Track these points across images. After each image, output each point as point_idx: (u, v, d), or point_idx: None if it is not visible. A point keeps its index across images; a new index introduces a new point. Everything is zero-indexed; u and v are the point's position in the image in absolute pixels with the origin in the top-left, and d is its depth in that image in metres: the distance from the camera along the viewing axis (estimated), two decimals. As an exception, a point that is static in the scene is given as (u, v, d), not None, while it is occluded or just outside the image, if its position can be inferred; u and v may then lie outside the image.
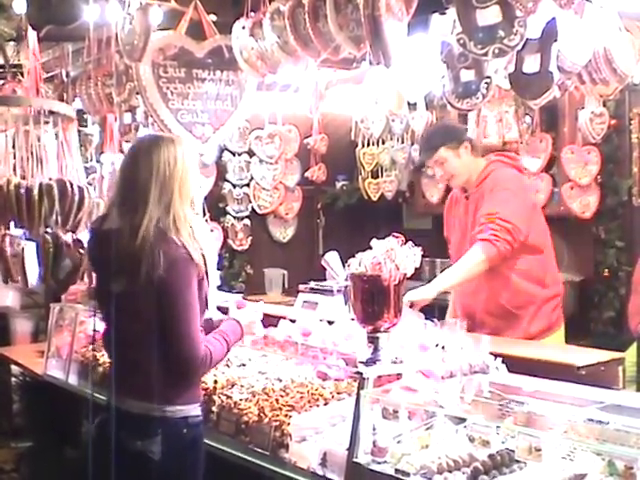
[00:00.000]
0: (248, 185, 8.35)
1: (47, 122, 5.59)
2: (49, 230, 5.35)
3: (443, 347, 3.48)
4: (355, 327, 3.54)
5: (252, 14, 5.19)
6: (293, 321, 4.24)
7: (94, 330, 4.37)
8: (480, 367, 3.45)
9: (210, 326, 3.43)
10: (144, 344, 3.20)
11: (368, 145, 8.14)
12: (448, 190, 5.39)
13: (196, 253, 3.15)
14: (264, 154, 8.28)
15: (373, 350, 3.31)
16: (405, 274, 3.29)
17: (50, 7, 5.88)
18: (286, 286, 8.38)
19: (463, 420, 3.04)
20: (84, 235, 5.42)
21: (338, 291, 4.71)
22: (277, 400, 3.69)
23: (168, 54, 5.82)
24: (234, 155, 8.25)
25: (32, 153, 5.49)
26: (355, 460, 3.07)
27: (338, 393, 3.73)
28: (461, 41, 3.95)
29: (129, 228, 3.16)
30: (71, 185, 5.39)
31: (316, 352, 3.71)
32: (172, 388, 3.21)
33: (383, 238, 3.32)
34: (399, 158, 7.88)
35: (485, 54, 3.91)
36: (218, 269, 5.10)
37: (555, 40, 4.06)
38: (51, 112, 5.60)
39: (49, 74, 6.99)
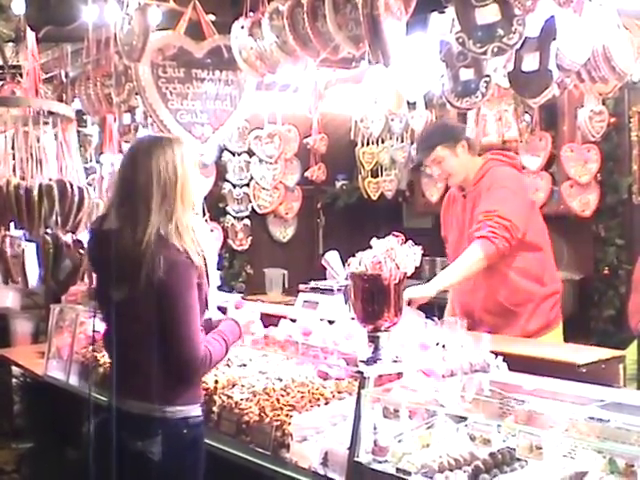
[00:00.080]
0: (248, 185, 8.35)
1: (46, 123, 5.59)
2: (49, 231, 5.35)
3: (444, 346, 3.48)
4: (356, 326, 3.54)
5: (251, 14, 5.19)
6: (294, 321, 4.24)
7: (94, 331, 4.37)
8: (481, 366, 3.45)
9: (210, 326, 3.43)
10: (144, 345, 3.21)
11: (368, 144, 8.14)
12: (448, 189, 5.39)
13: (196, 255, 3.15)
14: (264, 154, 8.28)
15: (374, 349, 3.31)
16: (405, 273, 3.29)
17: (49, 8, 5.87)
18: (286, 286, 8.38)
19: (464, 419, 3.05)
20: (84, 236, 5.42)
21: (338, 290, 4.70)
22: (278, 400, 3.69)
23: (167, 54, 5.82)
24: (234, 155, 8.25)
25: (31, 154, 5.49)
26: (356, 459, 3.08)
27: (339, 392, 3.73)
28: (460, 40, 3.95)
29: (130, 232, 3.16)
30: (71, 186, 5.39)
31: (317, 352, 3.71)
32: (172, 389, 3.21)
33: (383, 237, 3.32)
34: (399, 157, 7.88)
35: (484, 53, 3.91)
36: (218, 269, 5.10)
37: (554, 38, 4.06)
38: (50, 113, 5.60)
39: (48, 75, 6.99)
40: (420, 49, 5.27)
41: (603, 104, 6.30)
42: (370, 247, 3.32)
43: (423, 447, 3.00)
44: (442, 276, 4.67)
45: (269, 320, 4.19)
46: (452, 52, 4.33)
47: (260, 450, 3.51)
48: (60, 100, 6.59)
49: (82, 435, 3.63)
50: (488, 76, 4.28)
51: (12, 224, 5.51)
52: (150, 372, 3.19)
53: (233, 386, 4.00)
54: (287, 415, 3.52)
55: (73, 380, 5.15)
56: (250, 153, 8.29)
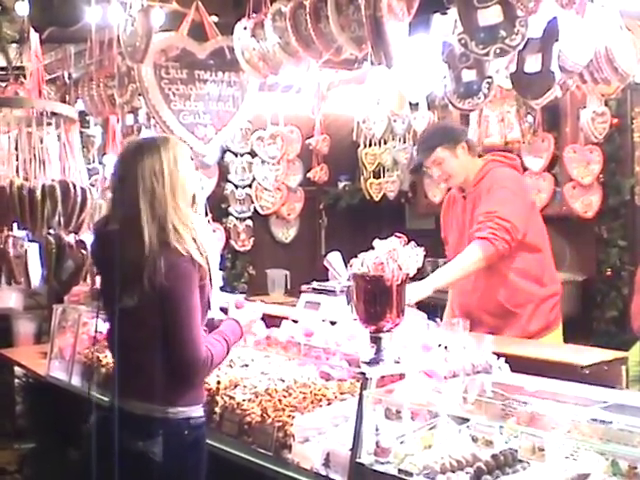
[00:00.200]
0: (250, 186, 8.35)
1: (49, 123, 5.60)
2: (52, 231, 5.36)
3: (446, 347, 3.48)
4: (358, 327, 3.54)
5: (254, 15, 5.20)
6: (296, 321, 4.24)
7: (96, 331, 4.37)
8: (483, 367, 3.45)
9: (212, 326, 3.43)
10: (146, 346, 3.21)
11: (370, 145, 8.13)
12: (450, 190, 5.39)
13: (199, 257, 3.15)
14: (266, 155, 8.28)
15: (376, 350, 3.31)
16: (408, 274, 3.29)
17: (52, 9, 5.89)
18: (288, 286, 8.38)
19: (466, 420, 3.05)
20: (87, 236, 5.42)
21: (341, 291, 4.70)
22: (280, 400, 3.69)
23: (170, 55, 5.84)
24: (236, 156, 8.25)
25: (35, 155, 5.50)
26: (358, 460, 3.07)
27: (341, 393, 3.73)
28: (462, 41, 3.95)
29: (129, 235, 3.16)
30: (74, 186, 5.40)
31: (319, 352, 3.72)
32: (174, 390, 3.21)
33: (385, 238, 3.32)
34: (401, 158, 7.88)
35: (486, 54, 3.92)
36: (220, 270, 5.09)
37: (556, 40, 4.06)
38: (53, 114, 5.61)
39: (51, 76, 7.01)
40: (422, 50, 5.27)
41: (606, 105, 6.30)
42: (372, 248, 3.32)
43: (425, 448, 3.00)
44: (439, 274, 4.66)
45: (271, 321, 4.19)
46: (454, 53, 4.33)
47: (262, 451, 3.50)
48: (63, 101, 6.61)
49: (84, 435, 3.63)
50: (490, 77, 4.29)
51: (15, 224, 5.52)
52: (152, 373, 3.20)
53: (235, 387, 4.00)
54: (289, 416, 3.52)
55: (75, 380, 5.15)
56: (252, 154, 8.29)
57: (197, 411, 3.30)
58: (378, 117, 7.69)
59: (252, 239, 8.40)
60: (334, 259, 4.85)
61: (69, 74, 6.98)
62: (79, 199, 5.41)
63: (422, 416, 3.17)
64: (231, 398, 3.86)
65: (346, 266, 4.04)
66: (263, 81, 5.96)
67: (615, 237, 6.59)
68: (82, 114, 6.79)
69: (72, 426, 5.05)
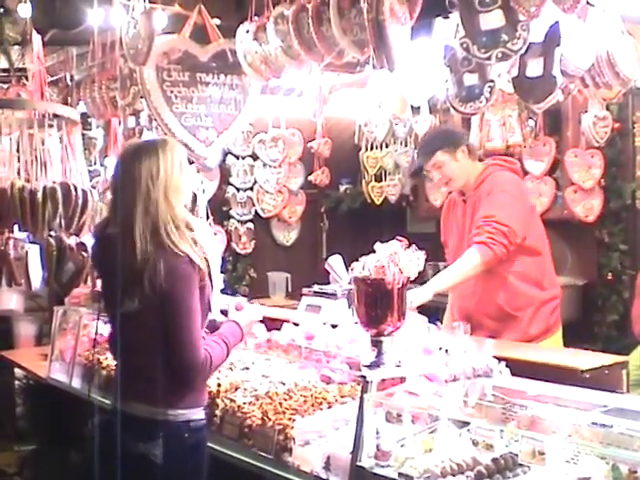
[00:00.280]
0: (252, 189, 8.35)
1: (51, 125, 5.61)
2: (52, 233, 5.36)
3: (446, 351, 3.48)
4: (359, 331, 3.54)
5: (256, 18, 5.20)
6: (297, 324, 4.24)
7: (97, 333, 4.37)
8: (484, 371, 3.45)
9: (214, 327, 3.43)
10: (147, 348, 3.22)
11: (372, 149, 8.13)
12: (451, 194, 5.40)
13: (198, 258, 3.15)
14: (268, 158, 8.28)
15: (377, 354, 3.31)
16: (409, 278, 3.29)
17: (55, 11, 5.90)
18: (289, 290, 8.37)
19: (467, 424, 3.05)
20: (87, 238, 5.43)
21: (342, 295, 4.71)
22: (281, 404, 3.69)
23: (172, 58, 5.84)
24: (238, 159, 8.25)
25: (36, 156, 5.51)
26: (359, 464, 3.07)
27: (342, 397, 3.73)
28: (464, 45, 3.96)
29: (125, 242, 3.16)
30: (75, 188, 5.41)
31: (320, 356, 3.71)
32: (174, 392, 3.21)
33: (387, 242, 3.32)
34: (403, 162, 7.88)
35: (488, 58, 3.92)
36: (221, 272, 5.10)
37: (558, 44, 4.07)
38: (55, 115, 5.61)
39: (53, 78, 7.02)
40: (424, 54, 5.28)
41: (607, 110, 6.30)
42: (374, 251, 3.32)
43: (426, 452, 3.00)
44: (438, 279, 4.66)
45: (272, 324, 4.19)
46: (456, 57, 4.34)
47: (262, 454, 3.50)
48: (65, 103, 6.61)
49: (85, 438, 3.63)
50: (492, 81, 4.29)
51: (16, 226, 5.52)
52: (152, 375, 3.20)
53: (236, 390, 4.00)
54: (290, 419, 3.52)
55: (76, 383, 5.15)
56: (254, 157, 8.30)
57: (198, 414, 3.30)
58: (380, 120, 7.68)
59: (253, 242, 8.40)
60: (335, 262, 4.86)
61: (71, 76, 6.98)
62: (80, 201, 5.41)
63: (423, 419, 3.17)
64: (232, 401, 3.86)
65: (347, 269, 4.03)
66: (265, 84, 5.97)
67: (616, 241, 6.59)
68: (84, 116, 6.80)
69: (72, 428, 5.06)
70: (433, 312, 4.61)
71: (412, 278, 3.32)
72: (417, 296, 4.42)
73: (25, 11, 6.01)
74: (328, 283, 4.94)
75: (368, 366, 3.29)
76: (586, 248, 6.80)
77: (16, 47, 7.01)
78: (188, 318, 3.13)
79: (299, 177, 8.63)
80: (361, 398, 3.16)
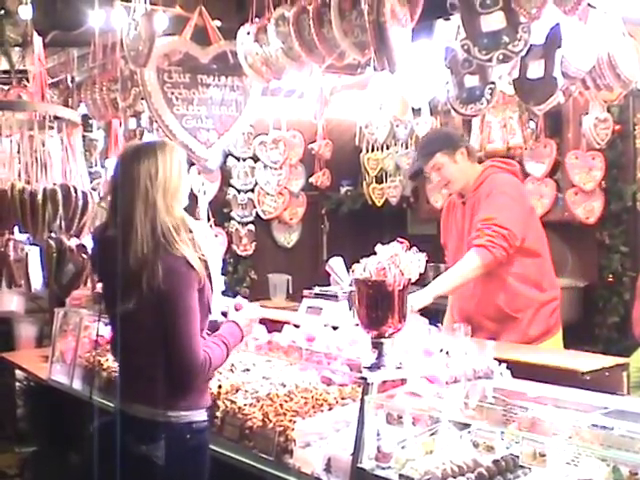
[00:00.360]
0: (252, 190, 8.35)
1: (51, 127, 5.60)
2: (53, 235, 5.36)
3: (447, 352, 3.48)
4: (359, 332, 3.54)
5: (257, 20, 5.20)
6: (297, 326, 4.24)
7: (98, 335, 4.38)
8: (484, 372, 3.45)
9: (215, 328, 3.43)
10: (147, 350, 3.22)
11: (372, 150, 8.14)
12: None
13: (195, 260, 3.14)
14: (268, 159, 8.29)
15: (377, 355, 3.31)
16: (409, 279, 3.29)
17: (56, 13, 5.90)
18: (290, 291, 8.37)
19: (467, 425, 3.05)
20: (88, 240, 5.42)
21: (342, 296, 4.70)
22: (281, 405, 3.69)
23: (173, 60, 5.84)
24: (238, 160, 8.25)
25: (36, 158, 5.50)
26: (359, 466, 3.07)
27: (342, 398, 3.73)
28: (465, 47, 3.96)
29: (124, 243, 3.16)
30: (75, 190, 5.40)
31: (320, 357, 3.71)
32: (175, 393, 3.21)
33: (387, 243, 3.32)
34: (403, 163, 7.88)
35: (489, 60, 3.92)
36: (222, 274, 5.09)
37: (559, 46, 4.07)
38: (56, 117, 5.61)
39: (54, 79, 7.02)
40: (425, 56, 5.29)
41: (608, 111, 6.30)
42: (374, 253, 3.32)
43: (426, 454, 3.00)
44: (438, 282, 4.66)
45: (273, 326, 4.19)
46: (457, 59, 4.34)
47: (263, 455, 3.50)
48: (66, 105, 6.61)
49: (86, 439, 3.63)
50: (493, 83, 4.29)
51: (16, 228, 5.52)
52: (153, 377, 3.20)
53: (237, 391, 4.01)
54: (290, 421, 3.52)
55: (77, 384, 5.15)
56: (255, 159, 8.30)
57: (200, 415, 3.30)
58: (381, 122, 7.68)
59: (254, 244, 8.40)
60: (336, 264, 4.85)
61: (72, 78, 6.98)
62: (80, 203, 5.41)
63: (423, 421, 3.17)
64: (232, 403, 3.87)
65: (348, 271, 4.04)
66: (266, 86, 5.96)
67: (617, 243, 6.59)
68: (85, 118, 6.79)
69: (73, 430, 5.06)
70: (433, 314, 4.62)
71: (413, 280, 3.32)
72: (418, 299, 4.43)
73: (26, 12, 6.00)
74: (329, 285, 4.94)
75: (369, 368, 3.29)
76: (587, 250, 6.80)
77: (17, 49, 7.00)
78: (187, 319, 3.13)
79: (300, 179, 8.63)
80: (362, 400, 3.16)
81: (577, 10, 3.71)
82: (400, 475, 2.93)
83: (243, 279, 8.31)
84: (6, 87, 6.72)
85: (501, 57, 3.88)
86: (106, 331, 4.19)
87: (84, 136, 7.08)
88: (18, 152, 5.62)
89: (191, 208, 3.70)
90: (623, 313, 6.38)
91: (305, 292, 5.04)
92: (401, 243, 3.31)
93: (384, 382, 3.25)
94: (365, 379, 3.21)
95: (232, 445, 3.69)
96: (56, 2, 5.91)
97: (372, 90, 6.93)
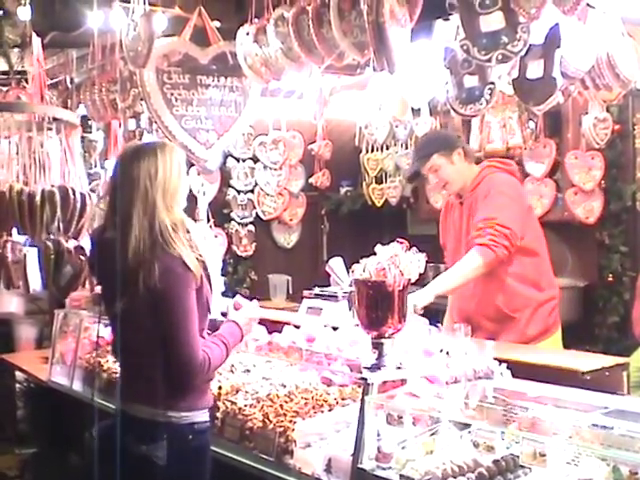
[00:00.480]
0: (252, 191, 8.35)
1: (50, 129, 5.61)
2: (51, 237, 5.36)
3: (447, 353, 3.48)
4: (359, 333, 3.54)
5: (256, 20, 5.20)
6: (297, 327, 4.24)
7: (98, 336, 4.37)
8: (484, 373, 3.45)
9: (215, 327, 3.43)
10: (146, 351, 3.22)
11: (372, 151, 8.14)
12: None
13: (192, 260, 3.13)
14: (268, 160, 8.28)
15: (377, 356, 3.31)
16: (409, 280, 3.29)
17: (54, 14, 5.90)
18: (290, 292, 8.37)
19: (468, 426, 3.05)
20: (86, 242, 5.43)
21: (342, 297, 4.70)
22: (282, 406, 3.69)
23: (172, 60, 5.84)
24: (238, 161, 8.25)
25: (35, 159, 5.50)
26: (360, 466, 3.07)
27: (342, 399, 3.73)
28: (465, 47, 3.96)
29: (122, 243, 3.16)
30: (73, 192, 5.41)
31: (320, 358, 3.71)
32: (175, 394, 3.21)
33: (387, 244, 3.32)
34: (403, 164, 7.87)
35: (488, 60, 3.92)
36: (222, 275, 5.09)
37: (558, 46, 4.07)
38: (54, 119, 5.61)
39: (53, 80, 7.02)
40: (425, 56, 5.28)
41: (607, 111, 6.30)
42: (374, 253, 3.32)
43: (427, 454, 3.00)
44: (440, 281, 4.66)
45: (273, 326, 4.19)
46: (456, 59, 4.34)
47: (264, 456, 3.51)
48: (65, 106, 6.61)
49: (86, 440, 3.63)
50: (492, 83, 4.29)
51: (14, 229, 5.52)
52: (153, 377, 3.20)
53: (237, 392, 4.00)
54: (291, 421, 3.52)
55: (77, 386, 5.15)
56: (255, 159, 8.29)
57: (201, 416, 3.29)
58: (380, 123, 7.68)
59: (254, 244, 8.40)
60: (336, 264, 4.86)
61: (71, 79, 6.98)
62: (78, 205, 5.42)
63: (424, 421, 3.17)
64: (233, 403, 3.87)
65: (348, 271, 4.03)
66: (265, 86, 5.96)
67: (617, 243, 6.59)
68: (84, 119, 6.80)
69: (74, 431, 5.06)
70: (433, 314, 4.62)
71: (413, 280, 3.32)
72: (418, 298, 4.43)
73: (25, 13, 6.01)
74: (329, 285, 4.94)
75: (369, 368, 3.29)
76: (586, 250, 6.80)
77: (16, 50, 7.02)
78: (184, 319, 3.13)
79: (300, 179, 8.63)
80: (362, 400, 3.16)
81: (576, 10, 3.71)
82: (400, 475, 2.93)
83: (243, 280, 8.30)
84: (5, 88, 6.72)
85: (500, 57, 3.88)
86: (106, 332, 4.19)
87: (83, 137, 7.09)
88: (17, 153, 5.62)
89: (191, 209, 3.70)
90: (623, 313, 6.39)
91: (305, 293, 5.04)
92: (401, 243, 3.31)
93: (384, 382, 3.25)
94: (365, 379, 3.21)
95: (232, 446, 3.69)
96: (55, 3, 5.91)
97: (371, 90, 6.92)
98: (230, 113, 6.08)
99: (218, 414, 3.83)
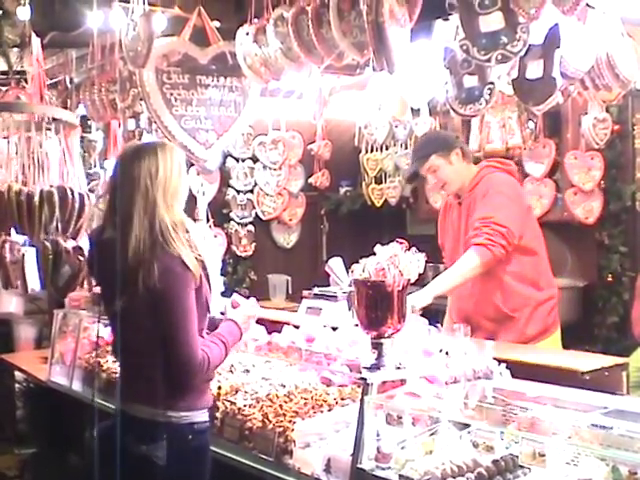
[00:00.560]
0: (252, 191, 8.35)
1: (49, 129, 5.61)
2: (49, 237, 5.36)
3: (447, 353, 3.48)
4: (359, 333, 3.54)
5: (255, 20, 5.20)
6: (297, 327, 4.24)
7: (98, 336, 4.37)
8: (484, 373, 3.45)
9: (214, 325, 3.43)
10: (146, 351, 3.22)
11: (372, 151, 8.14)
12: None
13: (191, 260, 3.13)
14: (268, 160, 8.28)
15: (377, 356, 3.31)
16: (409, 280, 3.29)
17: (54, 14, 5.90)
18: (290, 292, 8.36)
19: (467, 426, 3.05)
20: (84, 242, 5.43)
21: (342, 297, 4.71)
22: (281, 406, 3.69)
23: (172, 60, 5.83)
24: (238, 161, 8.24)
25: (34, 160, 5.51)
26: (359, 466, 3.07)
27: (342, 399, 3.73)
28: (464, 47, 3.96)
29: (121, 242, 3.16)
30: (72, 192, 5.41)
31: (320, 358, 3.71)
32: (175, 394, 3.21)
33: (387, 244, 3.32)
34: (402, 164, 7.87)
35: (488, 60, 3.92)
36: (222, 275, 5.09)
37: (558, 46, 4.07)
38: (53, 119, 5.61)
39: (53, 80, 7.02)
40: (424, 56, 5.28)
41: (607, 112, 6.30)
42: (374, 254, 3.32)
43: (426, 454, 3.00)
44: (438, 282, 4.66)
45: (273, 326, 4.19)
46: (456, 59, 4.34)
47: (263, 456, 3.50)
48: (65, 106, 6.61)
49: (86, 440, 3.63)
50: (492, 83, 4.29)
51: (13, 229, 5.53)
52: (153, 377, 3.20)
53: (236, 392, 4.00)
54: (290, 421, 3.52)
55: (76, 386, 5.15)
56: (254, 159, 8.29)
57: (201, 416, 3.29)
58: (380, 123, 7.69)
59: (253, 244, 8.40)
60: (335, 264, 4.86)
61: (71, 79, 6.98)
62: (77, 205, 5.42)
63: (423, 421, 3.17)
64: (232, 404, 3.86)
65: (347, 272, 4.04)
66: (265, 86, 5.96)
67: (616, 243, 6.59)
68: (84, 119, 6.80)
69: (73, 431, 5.06)
70: (433, 314, 4.61)
71: (412, 280, 3.32)
72: (417, 300, 4.43)
73: (24, 13, 6.01)
74: (328, 285, 4.94)
75: (368, 368, 3.29)
76: (586, 250, 6.80)
77: (15, 49, 7.02)
78: (183, 318, 3.13)
79: (299, 179, 8.62)
80: (361, 400, 3.16)
81: (576, 10, 3.71)
82: (400, 475, 2.93)
83: (242, 280, 8.30)
84: (4, 88, 6.72)
85: (500, 57, 3.89)
86: (105, 332, 4.19)
87: (83, 137, 7.10)
88: (16, 153, 5.62)
89: (190, 209, 3.70)
90: (622, 313, 6.39)
91: (304, 293, 5.04)
92: (400, 243, 3.31)
93: (384, 382, 3.25)
94: (365, 379, 3.21)
95: (232, 446, 3.68)
96: (54, 3, 5.91)
97: (371, 90, 6.93)
98: (229, 113, 6.07)
99: (217, 414, 3.83)
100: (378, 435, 3.06)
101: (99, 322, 3.70)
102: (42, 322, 7.54)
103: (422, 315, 4.41)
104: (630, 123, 6.56)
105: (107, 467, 3.17)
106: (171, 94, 5.83)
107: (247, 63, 5.26)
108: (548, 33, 4.06)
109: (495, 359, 3.54)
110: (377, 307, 3.28)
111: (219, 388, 4.01)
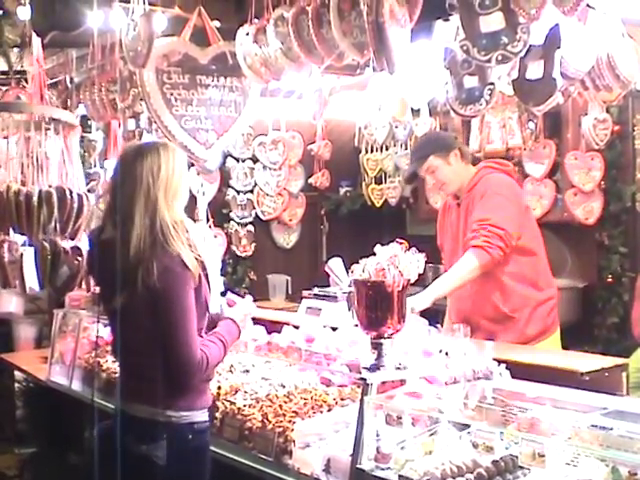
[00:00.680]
0: (252, 191, 8.34)
1: (48, 129, 5.61)
2: (48, 237, 5.36)
3: (446, 353, 3.48)
4: (359, 333, 3.54)
5: (256, 20, 5.20)
6: (297, 327, 4.24)
7: (97, 336, 4.37)
8: (484, 373, 3.45)
9: (213, 323, 3.43)
10: (145, 350, 3.22)
11: (372, 151, 8.14)
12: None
13: (191, 260, 3.14)
14: (268, 160, 8.28)
15: (377, 356, 3.31)
16: (409, 280, 3.29)
17: (54, 13, 5.88)
18: (290, 292, 8.36)
19: (467, 426, 3.05)
20: (83, 242, 5.43)
21: (342, 297, 4.71)
22: (281, 406, 3.69)
23: (172, 60, 5.83)
24: (238, 161, 8.24)
25: (33, 160, 5.51)
26: (359, 466, 3.07)
27: (342, 399, 3.73)
28: (464, 47, 3.96)
29: (121, 241, 3.16)
30: (70, 192, 5.41)
31: (320, 358, 3.71)
32: (174, 393, 3.21)
33: (387, 244, 3.32)
34: (402, 164, 7.87)
35: (488, 60, 3.92)
36: (221, 275, 5.09)
37: (558, 47, 4.06)
38: (53, 119, 5.61)
39: (53, 80, 7.01)
40: (424, 56, 5.28)
41: (607, 112, 6.30)
42: (374, 254, 3.32)
43: (426, 454, 3.00)
44: (437, 285, 4.66)
45: (272, 326, 4.19)
46: (456, 60, 4.34)
47: (263, 456, 3.50)
48: (65, 106, 6.61)
49: (85, 440, 3.64)
50: (492, 84, 4.29)
51: (11, 229, 5.53)
52: (152, 377, 3.20)
53: (236, 392, 4.00)
54: (290, 421, 3.52)
55: (76, 385, 5.15)
56: (254, 159, 8.28)
57: (201, 416, 3.30)
58: (380, 123, 7.69)
59: (253, 244, 8.39)
60: (335, 265, 4.86)
61: (71, 78, 6.98)
62: (76, 205, 5.42)
63: (423, 422, 3.17)
64: (232, 404, 3.86)
65: (347, 272, 4.04)
66: (265, 86, 5.96)
67: (616, 244, 6.58)
68: (84, 118, 6.80)
69: (73, 431, 5.06)
70: (433, 315, 4.62)
71: (412, 280, 3.32)
72: (417, 303, 4.43)
73: (24, 13, 6.01)
74: (328, 286, 4.94)
75: (368, 368, 3.29)
76: (586, 250, 6.80)
77: (15, 49, 7.02)
78: (183, 318, 3.13)
79: (299, 179, 8.62)
80: (361, 400, 3.16)
81: (576, 11, 3.71)
82: (399, 476, 2.93)
83: (242, 280, 8.30)
84: (4, 88, 6.72)
85: (500, 58, 3.88)
86: (105, 332, 4.19)
87: (83, 137, 7.09)
88: (15, 153, 5.62)
89: (190, 209, 3.71)
90: (622, 314, 6.38)
91: (304, 293, 5.05)
92: (400, 244, 3.31)
93: (383, 383, 3.25)
94: (364, 380, 3.21)
95: (231, 446, 3.69)
96: (55, 3, 5.90)
97: (371, 91, 6.93)
98: (230, 113, 6.07)
99: (217, 414, 3.83)
100: (378, 435, 3.06)
101: (99, 322, 3.70)
102: (42, 322, 7.53)
103: (422, 315, 4.41)
104: (630, 124, 6.55)
105: (107, 467, 3.17)
106: (171, 94, 5.82)
107: (247, 63, 5.26)
108: (548, 33, 4.06)
109: (495, 359, 3.54)
110: (377, 307, 3.28)
111: (219, 388, 4.01)
